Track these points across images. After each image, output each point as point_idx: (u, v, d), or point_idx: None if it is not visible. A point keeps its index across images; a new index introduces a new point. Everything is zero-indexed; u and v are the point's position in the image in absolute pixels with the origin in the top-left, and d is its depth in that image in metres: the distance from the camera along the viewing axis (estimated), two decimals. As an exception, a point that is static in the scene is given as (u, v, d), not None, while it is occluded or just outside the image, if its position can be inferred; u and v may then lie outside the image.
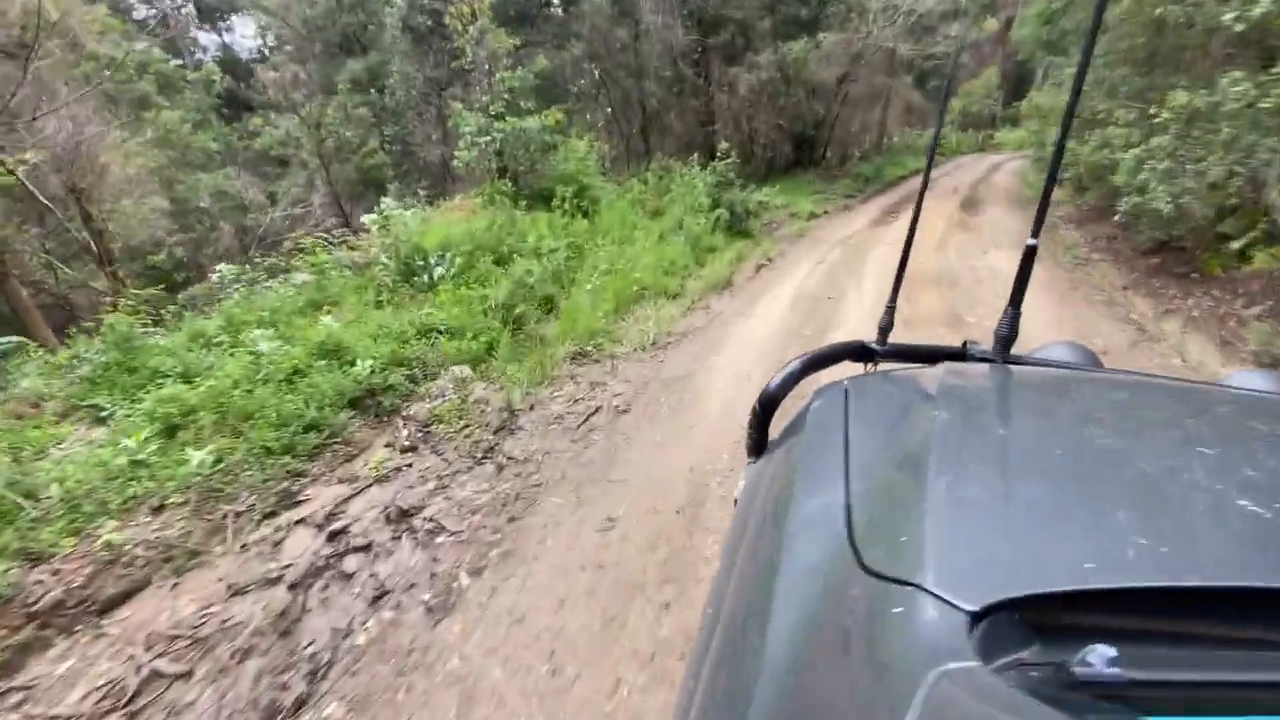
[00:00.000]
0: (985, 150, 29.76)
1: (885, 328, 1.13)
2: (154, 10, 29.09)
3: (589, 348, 5.58)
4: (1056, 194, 15.79)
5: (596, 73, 15.14)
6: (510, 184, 10.02)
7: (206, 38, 31.27)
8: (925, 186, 1.23)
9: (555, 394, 4.77)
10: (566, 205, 9.46)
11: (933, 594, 0.46)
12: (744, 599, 0.65)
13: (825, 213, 13.12)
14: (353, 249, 7.74)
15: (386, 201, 6.78)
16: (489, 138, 9.52)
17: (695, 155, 11.64)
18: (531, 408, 4.56)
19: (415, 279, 6.73)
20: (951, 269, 8.08)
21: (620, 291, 6.71)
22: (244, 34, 31.46)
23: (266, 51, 28.60)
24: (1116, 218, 7.97)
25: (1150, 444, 0.68)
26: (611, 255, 7.87)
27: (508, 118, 9.61)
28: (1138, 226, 7.99)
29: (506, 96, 10.05)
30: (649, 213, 10.69)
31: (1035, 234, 0.91)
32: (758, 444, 1.01)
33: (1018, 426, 0.75)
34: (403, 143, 16.00)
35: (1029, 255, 0.93)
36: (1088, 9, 11.79)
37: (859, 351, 1.08)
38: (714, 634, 0.65)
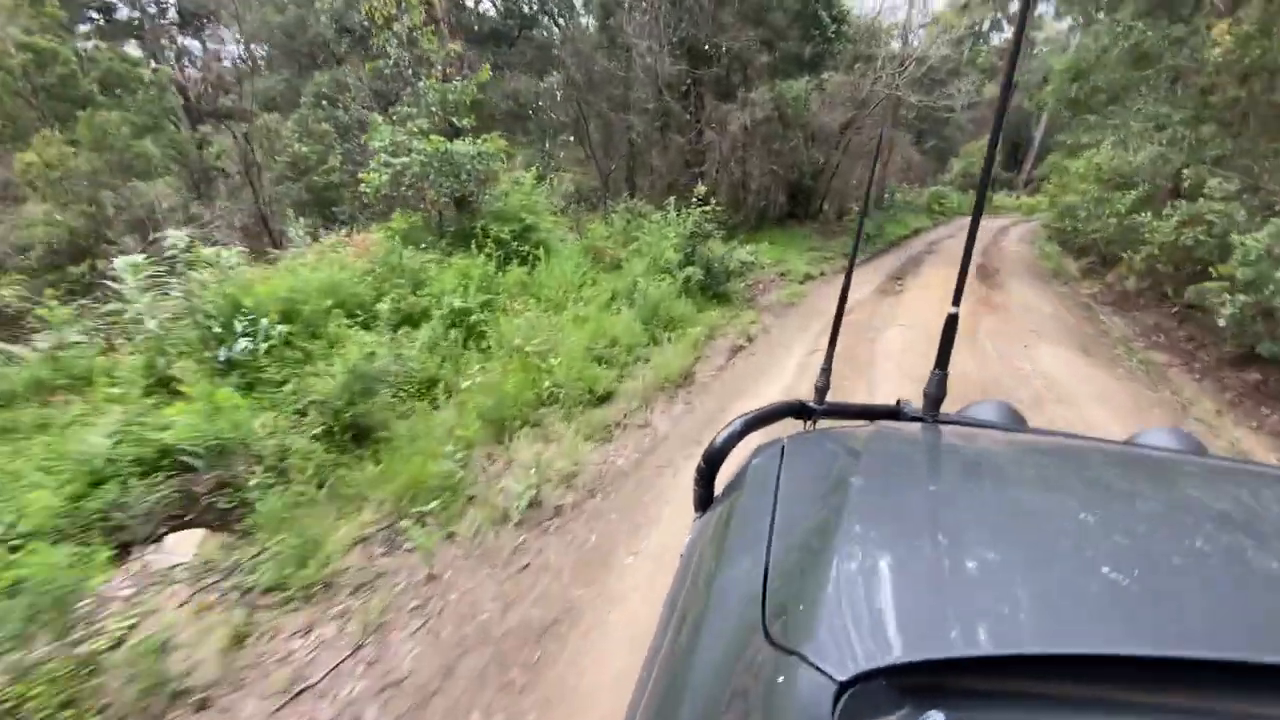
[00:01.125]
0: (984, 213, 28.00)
1: (822, 388, 1.13)
2: (136, 12, 27.18)
3: (413, 517, 3.15)
4: (1072, 268, 13.74)
5: (561, 99, 13.07)
6: (431, 217, 7.75)
7: (194, 44, 29.34)
8: (854, 258, 1.22)
9: (289, 651, 2.34)
10: (493, 250, 7.16)
11: (810, 663, 0.47)
12: (670, 661, 0.64)
13: (822, 274, 10.90)
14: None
15: (173, 234, 4.44)
16: (405, 159, 7.27)
17: (673, 199, 9.39)
18: (205, 706, 2.12)
19: (208, 354, 4.32)
20: (994, 374, 5.76)
21: (512, 396, 4.30)
22: (231, 40, 29.52)
23: (252, 61, 26.71)
24: (1221, 322, 5.68)
25: (1052, 505, 0.68)
26: (533, 326, 5.51)
27: (433, 137, 7.37)
28: (1245, 331, 5.72)
29: (436, 111, 7.83)
30: (607, 265, 8.40)
31: (956, 302, 0.95)
32: (703, 499, 0.98)
33: (930, 488, 0.75)
34: (353, 161, 13.84)
35: (951, 322, 0.97)
36: (1125, 65, 9.93)
37: (798, 410, 1.08)
38: (645, 692, 0.64)
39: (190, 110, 22.57)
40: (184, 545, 3.02)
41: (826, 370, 1.14)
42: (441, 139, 7.30)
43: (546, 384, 4.54)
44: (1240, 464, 0.84)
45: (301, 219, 7.76)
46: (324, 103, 14.92)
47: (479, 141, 7.62)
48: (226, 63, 26.93)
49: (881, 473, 0.76)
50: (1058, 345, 7.18)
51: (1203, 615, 0.48)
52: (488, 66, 8.70)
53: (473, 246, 7.06)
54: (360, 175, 7.55)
